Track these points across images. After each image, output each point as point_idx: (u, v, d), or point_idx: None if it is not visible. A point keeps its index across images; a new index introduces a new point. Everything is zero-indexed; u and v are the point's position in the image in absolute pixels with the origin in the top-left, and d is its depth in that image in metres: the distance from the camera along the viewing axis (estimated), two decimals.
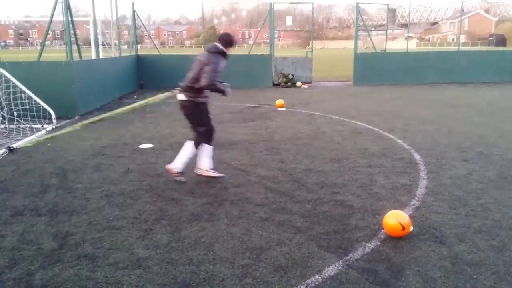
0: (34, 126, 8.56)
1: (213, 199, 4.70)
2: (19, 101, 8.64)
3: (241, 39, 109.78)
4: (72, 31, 10.55)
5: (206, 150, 5.30)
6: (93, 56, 14.32)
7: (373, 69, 16.87)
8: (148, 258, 3.41)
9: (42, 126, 8.63)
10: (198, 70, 4.93)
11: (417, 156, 6.31)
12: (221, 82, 5.10)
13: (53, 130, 8.56)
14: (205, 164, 5.36)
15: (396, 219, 3.68)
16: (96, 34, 15.55)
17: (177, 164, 5.22)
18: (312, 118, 9.74)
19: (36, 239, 3.76)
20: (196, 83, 4.92)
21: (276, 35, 22.35)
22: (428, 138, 7.50)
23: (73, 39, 10.68)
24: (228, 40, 5.11)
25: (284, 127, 8.66)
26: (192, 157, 5.31)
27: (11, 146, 6.91)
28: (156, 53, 18.03)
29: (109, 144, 7.32)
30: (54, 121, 8.92)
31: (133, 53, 16.50)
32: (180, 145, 6.54)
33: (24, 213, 4.36)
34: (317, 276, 3.12)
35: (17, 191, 5.01)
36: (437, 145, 6.98)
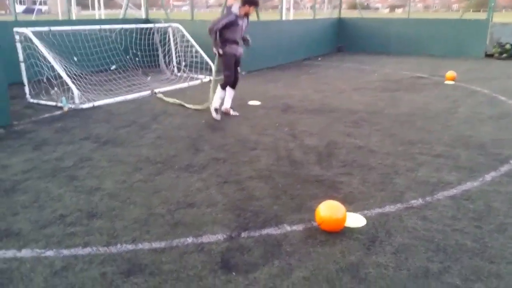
0: (196, 76, 9.98)
1: (227, 155, 4.84)
2: (188, 54, 10.19)
3: None
4: None
5: (218, 91, 6.50)
6: (283, 18, 15.01)
7: None
8: (105, 189, 3.94)
9: (203, 77, 9.96)
10: None
11: None
12: (235, 39, 6.15)
13: (209, 81, 9.80)
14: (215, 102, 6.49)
15: (326, 213, 3.18)
16: None
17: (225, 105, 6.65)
18: (470, 95, 8.15)
19: (69, 157, 4.75)
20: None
21: None
22: None
23: None
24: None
25: (416, 101, 7.61)
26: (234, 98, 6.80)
27: (155, 90, 8.38)
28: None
29: None
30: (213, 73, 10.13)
31: (335, 16, 16.55)
32: (285, 105, 6.87)
33: (90, 138, 5.48)
34: (199, 238, 3.09)
35: (110, 122, 6.23)
36: None
